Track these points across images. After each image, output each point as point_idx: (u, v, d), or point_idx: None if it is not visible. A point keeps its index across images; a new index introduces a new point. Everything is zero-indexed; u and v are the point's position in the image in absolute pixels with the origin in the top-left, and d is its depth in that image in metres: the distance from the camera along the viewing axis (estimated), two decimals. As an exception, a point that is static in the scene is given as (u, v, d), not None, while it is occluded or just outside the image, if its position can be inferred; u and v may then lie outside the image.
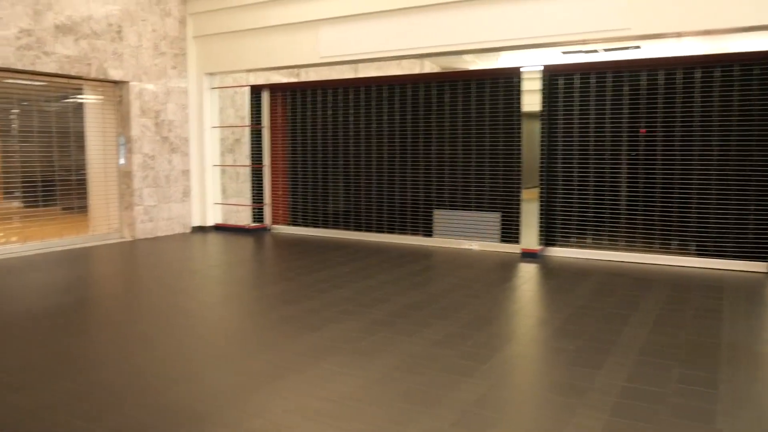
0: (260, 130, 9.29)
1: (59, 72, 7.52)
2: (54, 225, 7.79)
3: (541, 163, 7.19)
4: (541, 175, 7.21)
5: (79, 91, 8.06)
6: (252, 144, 9.40)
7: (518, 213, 7.39)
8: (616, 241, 6.99)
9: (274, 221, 9.36)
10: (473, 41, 7.05)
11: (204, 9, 8.85)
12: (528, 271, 6.37)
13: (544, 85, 7.09)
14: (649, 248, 6.82)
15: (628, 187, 6.90)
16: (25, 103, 7.56)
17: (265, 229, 9.28)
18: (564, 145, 7.17)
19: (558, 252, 7.21)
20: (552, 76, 7.14)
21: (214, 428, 2.77)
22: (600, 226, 7.08)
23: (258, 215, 9.43)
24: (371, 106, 8.41)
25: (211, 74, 9.17)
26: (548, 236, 7.31)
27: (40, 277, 6.02)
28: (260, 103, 9.28)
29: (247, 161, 9.50)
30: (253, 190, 9.47)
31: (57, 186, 7.83)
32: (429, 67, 8.98)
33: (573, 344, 3.95)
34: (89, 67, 7.82)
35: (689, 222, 6.62)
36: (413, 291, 5.38)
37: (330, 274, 6.09)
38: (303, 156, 9.06)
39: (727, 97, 6.36)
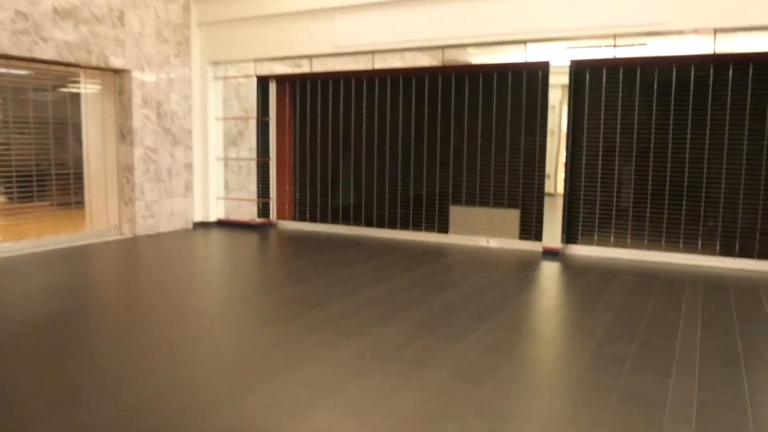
0: (266, 123, 8.95)
1: (57, 59, 7.12)
2: (49, 221, 7.39)
3: (566, 158, 6.97)
4: (565, 171, 6.99)
5: (76, 79, 7.67)
6: (258, 137, 9.06)
7: (540, 210, 7.17)
8: (641, 239, 6.79)
9: (280, 216, 9.04)
10: (499, 33, 6.80)
11: (208, -5, 8.50)
12: (554, 271, 6.14)
13: (570, 79, 6.86)
14: (676, 247, 6.63)
15: (654, 184, 6.70)
16: (19, 93, 7.16)
17: (270, 225, 8.96)
18: (590, 141, 6.94)
19: (579, 250, 7.00)
20: (578, 70, 6.90)
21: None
22: (624, 224, 6.88)
23: (263, 210, 9.10)
24: (386, 98, 8.12)
25: (216, 63, 8.81)
26: (570, 234, 7.10)
27: (35, 279, 5.65)
28: (267, 95, 8.94)
29: (251, 154, 9.17)
30: (258, 184, 9.13)
31: (52, 180, 7.43)
32: (441, 60, 8.72)
33: (629, 350, 3.72)
34: (89, 55, 7.43)
35: (716, 221, 6.45)
36: (445, 292, 5.12)
37: (350, 273, 5.81)
38: (311, 149, 8.74)
39: (758, 95, 6.17)
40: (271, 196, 8.98)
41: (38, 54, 6.93)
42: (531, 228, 7.27)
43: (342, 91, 8.44)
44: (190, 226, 8.78)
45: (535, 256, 6.84)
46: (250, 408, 2.86)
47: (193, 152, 8.78)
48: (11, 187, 7.04)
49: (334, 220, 8.59)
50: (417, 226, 8.00)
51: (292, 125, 8.90)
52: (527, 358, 3.60)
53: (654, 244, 6.72)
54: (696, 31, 6.11)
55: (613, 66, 6.76)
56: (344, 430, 2.68)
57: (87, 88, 7.79)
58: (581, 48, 6.97)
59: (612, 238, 6.92)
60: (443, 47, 7.48)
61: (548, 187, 7.18)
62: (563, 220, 6.98)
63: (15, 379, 3.19)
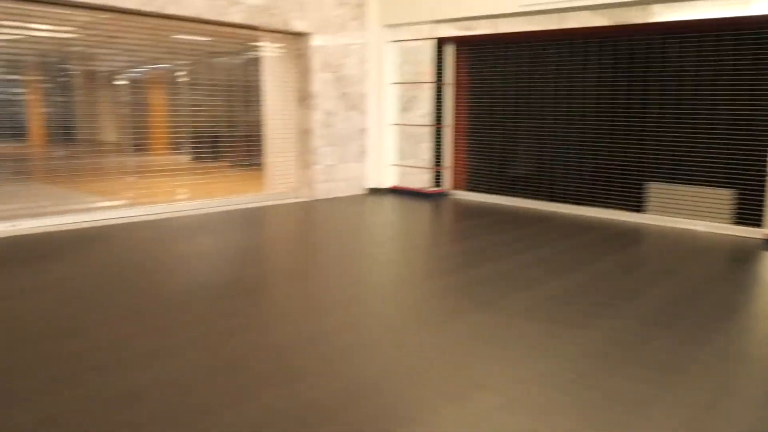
0: (441, 88, 8.58)
1: (244, 22, 7.20)
2: (230, 182, 7.61)
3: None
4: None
5: (259, 43, 7.74)
6: (434, 102, 8.71)
7: (762, 191, 6.17)
8: None
9: (454, 186, 8.68)
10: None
11: (388, -46, 8.19)
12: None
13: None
14: None
15: None
16: (204, 56, 7.34)
17: (443, 194, 8.64)
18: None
19: (812, 239, 5.95)
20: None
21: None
22: None
23: (437, 179, 8.80)
24: (575, 62, 7.39)
25: (392, 26, 8.54)
26: (799, 219, 6.05)
27: (215, 239, 5.75)
28: (442, 58, 8.54)
29: (423, 120, 8.86)
30: (433, 151, 8.81)
31: (235, 141, 7.62)
32: (620, 20, 7.78)
33: None
34: (273, 18, 7.45)
35: None
36: (662, 281, 4.47)
37: (544, 252, 5.32)
38: (489, 116, 8.24)
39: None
40: (444, 164, 8.64)
41: (229, 18, 7.03)
42: (749, 211, 6.30)
43: (523, 54, 7.81)
44: (364, 191, 8.70)
45: (754, 244, 5.90)
46: (481, 406, 2.53)
47: (367, 117, 8.64)
48: (196, 148, 7.29)
49: (512, 193, 8.08)
50: (607, 204, 7.28)
51: (468, 90, 8.44)
52: (800, 374, 2.94)
53: None
54: None
55: None
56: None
57: (268, 52, 7.85)
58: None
59: None
60: (631, 4, 6.59)
61: (773, 163, 6.15)
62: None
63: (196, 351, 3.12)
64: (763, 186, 6.16)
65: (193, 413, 2.42)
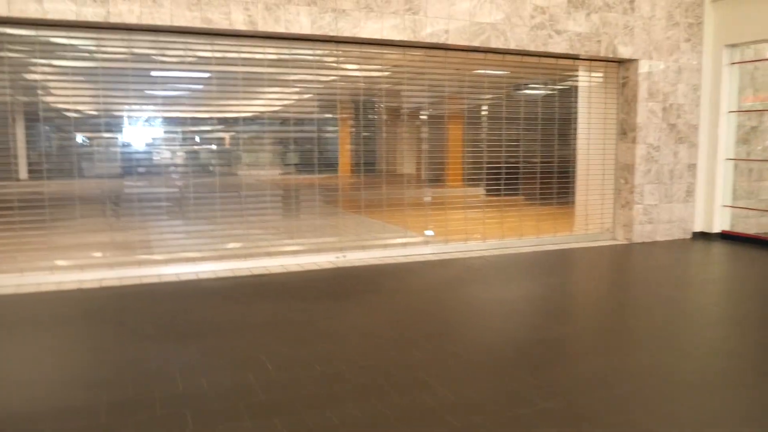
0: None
1: (568, 52, 6.76)
2: (531, 219, 7.15)
3: None
4: None
5: (573, 73, 7.23)
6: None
7: None
8: None
9: (805, 234, 7.14)
10: None
11: (733, -36, 7.11)
12: None
13: None
14: None
15: None
16: (511, 88, 7.05)
17: (793, 244, 7.15)
18: None
19: None
20: None
21: None
22: None
23: (781, 225, 7.34)
24: None
25: (732, 46, 7.38)
26: None
27: (517, 285, 5.26)
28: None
29: (765, 154, 7.47)
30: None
31: (536, 176, 7.17)
32: None
33: None
34: (598, 45, 6.89)
35: None
36: None
37: None
38: None
39: None
40: (795, 207, 7.16)
41: (552, 48, 6.67)
42: None
43: None
44: (689, 236, 7.61)
45: None
46: None
47: (698, 151, 7.56)
48: (491, 181, 6.98)
49: None
50: None
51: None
52: None
53: None
54: None
55: None
56: None
57: (585, 81, 7.30)
58: None
59: None
60: None
61: None
62: None
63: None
64: None
65: None
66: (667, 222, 7.43)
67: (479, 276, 5.50)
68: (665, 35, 7.21)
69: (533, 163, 7.15)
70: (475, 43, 6.30)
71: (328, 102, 6.16)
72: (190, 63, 5.56)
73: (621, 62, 7.28)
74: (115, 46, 5.28)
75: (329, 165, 6.26)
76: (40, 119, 5.17)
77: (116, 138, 5.44)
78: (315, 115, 6.12)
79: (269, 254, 5.97)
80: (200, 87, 5.64)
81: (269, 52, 5.80)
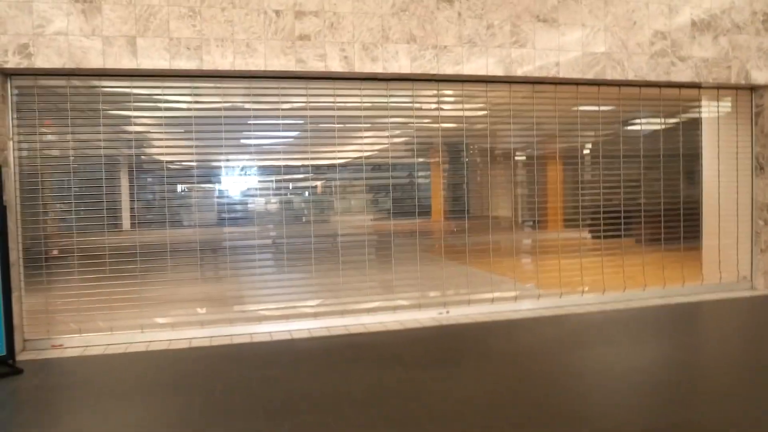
0: None
1: (693, 80, 6.04)
2: (647, 268, 6.31)
3: None
4: None
5: (694, 103, 6.45)
6: None
7: None
8: None
9: None
10: None
11: None
12: None
13: None
14: None
15: None
16: (617, 122, 6.34)
17: None
18: None
19: None
20: None
21: None
22: None
23: None
24: None
25: None
26: None
27: (650, 348, 4.48)
28: None
29: None
30: None
31: (654, 219, 6.37)
32: None
33: None
34: (728, 71, 6.12)
35: None
36: None
37: None
38: None
39: None
40: None
41: (675, 76, 5.97)
42: None
43: None
44: None
45: None
46: None
47: None
48: (609, 225, 6.23)
49: None
50: None
51: None
52: None
53: None
54: None
55: None
56: None
57: (711, 112, 6.51)
58: None
59: None
60: None
61: None
62: None
63: None
64: None
65: None
66: (821, 270, 6.43)
67: (602, 336, 4.80)
68: (808, 57, 6.34)
69: (654, 203, 6.39)
70: (589, 76, 5.71)
71: (425, 145, 5.73)
72: (284, 110, 5.31)
73: (754, 89, 6.45)
74: (209, 94, 5.11)
75: (425, 210, 5.81)
76: (141, 170, 5.06)
77: (212, 187, 5.24)
78: (410, 159, 5.71)
79: (367, 311, 5.52)
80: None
81: (366, 94, 5.47)
